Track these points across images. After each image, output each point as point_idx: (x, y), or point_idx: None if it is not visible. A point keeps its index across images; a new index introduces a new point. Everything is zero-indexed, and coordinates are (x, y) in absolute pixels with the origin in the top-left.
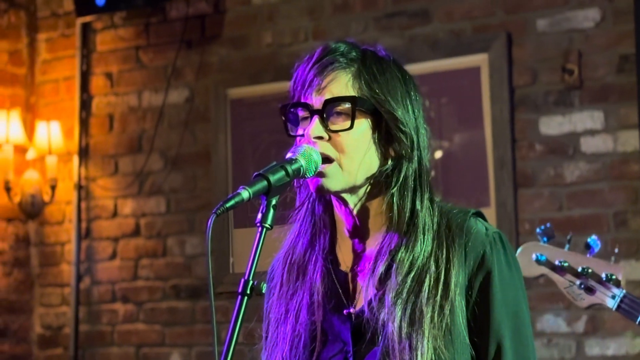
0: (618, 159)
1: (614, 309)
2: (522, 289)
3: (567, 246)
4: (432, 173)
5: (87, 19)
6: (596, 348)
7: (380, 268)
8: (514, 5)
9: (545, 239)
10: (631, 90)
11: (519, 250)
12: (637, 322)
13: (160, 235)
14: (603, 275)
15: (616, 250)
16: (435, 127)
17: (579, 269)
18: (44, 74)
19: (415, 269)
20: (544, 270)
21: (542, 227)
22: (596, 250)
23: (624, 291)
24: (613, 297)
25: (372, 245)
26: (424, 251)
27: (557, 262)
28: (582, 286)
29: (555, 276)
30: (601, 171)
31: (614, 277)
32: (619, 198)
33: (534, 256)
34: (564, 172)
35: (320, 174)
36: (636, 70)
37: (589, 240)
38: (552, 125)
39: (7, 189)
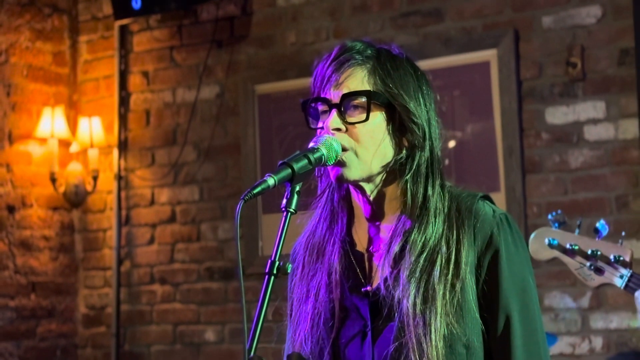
0: (619, 145)
1: (622, 287)
2: (529, 265)
3: (577, 230)
4: (446, 161)
5: (125, 21)
6: (600, 322)
7: (395, 248)
8: (520, 3)
9: (556, 224)
10: (631, 82)
11: (532, 236)
12: None
13: (194, 221)
14: (611, 257)
15: (623, 234)
16: (448, 118)
17: (589, 252)
18: (85, 73)
19: (428, 249)
20: (556, 253)
21: (554, 213)
22: (604, 233)
23: (631, 271)
24: (621, 276)
25: (387, 227)
26: (436, 233)
27: (568, 246)
28: (592, 267)
29: (566, 259)
30: (603, 157)
31: (621, 258)
32: (621, 182)
33: (546, 240)
34: (569, 158)
35: (340, 163)
36: (636, 63)
37: (597, 224)
38: (558, 115)
39: (53, 180)
